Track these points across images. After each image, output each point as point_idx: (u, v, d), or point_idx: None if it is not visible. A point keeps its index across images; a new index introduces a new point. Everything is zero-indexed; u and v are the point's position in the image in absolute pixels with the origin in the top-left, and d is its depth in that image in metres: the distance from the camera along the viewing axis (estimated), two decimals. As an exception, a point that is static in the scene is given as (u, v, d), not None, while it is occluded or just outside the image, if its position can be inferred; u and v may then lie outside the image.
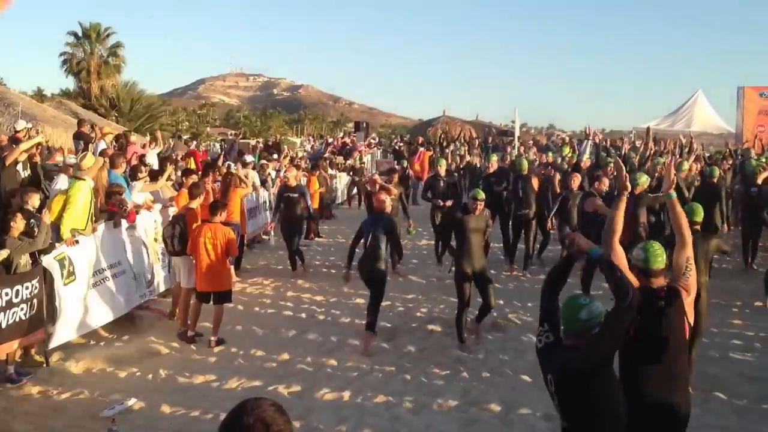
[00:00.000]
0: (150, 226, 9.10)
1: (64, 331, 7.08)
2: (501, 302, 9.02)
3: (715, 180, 11.56)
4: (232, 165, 12.20)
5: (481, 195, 8.01)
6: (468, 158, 19.01)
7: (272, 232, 13.75)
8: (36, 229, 6.68)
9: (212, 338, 7.73)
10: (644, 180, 9.05)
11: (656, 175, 10.99)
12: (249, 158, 14.17)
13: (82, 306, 7.39)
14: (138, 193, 9.31)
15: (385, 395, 6.34)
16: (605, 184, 10.15)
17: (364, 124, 36.27)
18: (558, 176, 12.02)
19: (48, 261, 6.87)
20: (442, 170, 12.09)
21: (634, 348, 3.91)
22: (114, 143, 13.28)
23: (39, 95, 42.65)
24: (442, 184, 11.91)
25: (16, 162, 9.06)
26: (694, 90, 29.39)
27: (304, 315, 9.00)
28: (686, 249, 4.22)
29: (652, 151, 15.28)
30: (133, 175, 9.54)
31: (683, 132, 24.51)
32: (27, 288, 6.47)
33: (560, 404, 3.46)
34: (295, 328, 8.41)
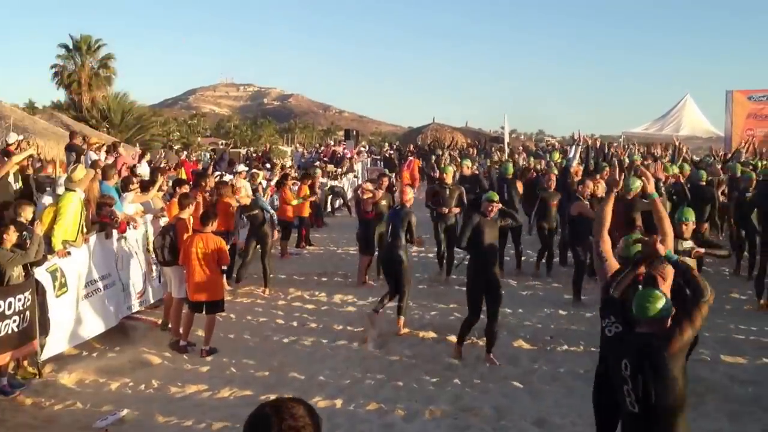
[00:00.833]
0: (141, 236, 9.13)
1: (56, 343, 7.10)
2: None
3: (704, 183, 11.66)
4: (226, 175, 12.21)
5: (496, 197, 7.81)
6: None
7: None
8: (28, 242, 6.69)
9: (204, 348, 7.75)
10: (638, 185, 9.00)
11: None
12: (241, 167, 14.21)
13: (74, 317, 7.41)
14: (129, 204, 9.33)
15: (377, 402, 6.37)
16: (590, 188, 10.22)
17: (354, 132, 36.34)
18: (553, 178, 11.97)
19: (40, 273, 6.89)
20: (448, 178, 11.54)
21: None
22: (107, 154, 13.31)
23: (31, 107, 42.62)
24: (447, 192, 11.38)
25: (7, 174, 9.08)
26: (682, 94, 29.54)
27: (295, 323, 9.03)
28: (667, 240, 4.68)
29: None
30: (124, 186, 9.57)
31: (672, 136, 24.69)
32: (20, 300, 6.48)
33: (635, 388, 3.69)
34: (287, 337, 8.45)
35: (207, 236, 7.84)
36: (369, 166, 28.41)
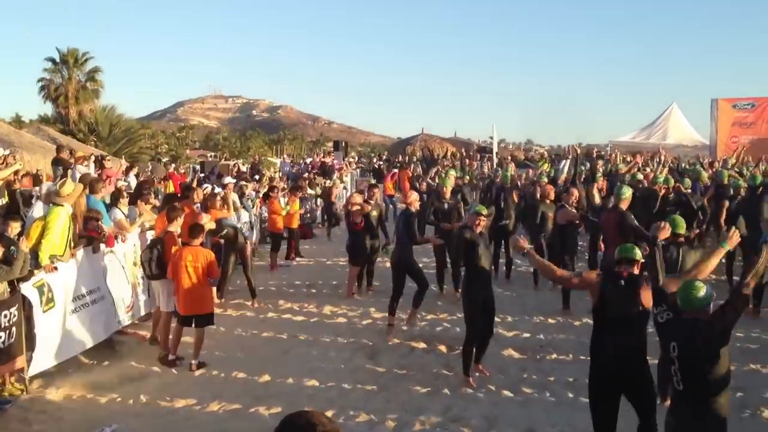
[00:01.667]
0: (129, 250, 9.09)
1: (43, 359, 7.04)
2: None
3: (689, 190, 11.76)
4: (216, 188, 12.17)
5: (484, 210, 7.70)
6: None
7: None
8: (15, 257, 6.66)
9: (193, 361, 7.71)
10: (629, 194, 9.00)
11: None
12: (228, 180, 14.18)
13: (62, 333, 7.36)
14: (138, 219, 9.31)
15: (368, 413, 6.36)
16: (574, 195, 10.31)
17: (343, 144, 36.37)
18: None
19: (27, 288, 6.85)
20: (447, 192, 11.15)
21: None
22: (96, 168, 13.26)
23: (17, 121, 42.47)
24: (446, 206, 11.03)
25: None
26: (668, 103, 29.82)
27: (285, 336, 9.01)
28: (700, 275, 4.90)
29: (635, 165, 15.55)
30: (113, 200, 9.53)
31: (659, 145, 24.87)
32: (5, 316, 6.44)
33: (682, 368, 4.08)
34: (277, 349, 8.43)
35: (196, 249, 7.83)
36: (358, 177, 28.44)
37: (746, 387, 6.91)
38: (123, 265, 8.86)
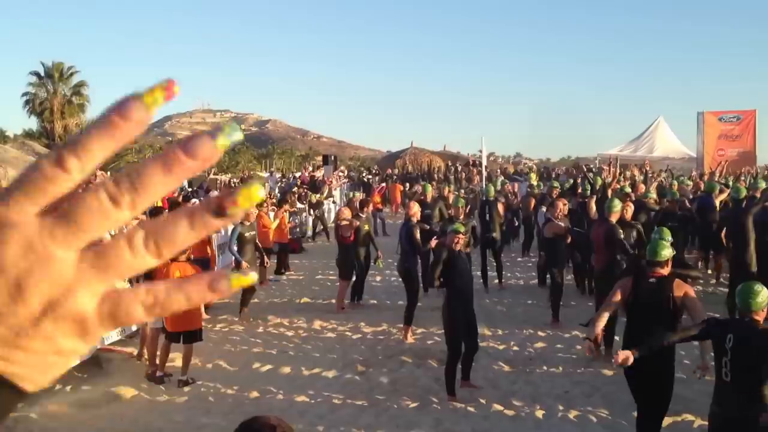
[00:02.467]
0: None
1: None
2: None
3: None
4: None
5: (462, 228, 7.62)
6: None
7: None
8: None
9: (181, 378, 7.64)
10: (619, 207, 9.00)
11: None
12: (214, 194, 14.14)
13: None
14: None
15: (358, 428, 6.33)
16: (558, 208, 10.36)
17: (333, 157, 36.35)
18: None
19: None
20: (462, 213, 10.37)
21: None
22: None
23: (1, 136, 42.24)
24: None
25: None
26: (656, 115, 30.11)
27: (275, 351, 8.95)
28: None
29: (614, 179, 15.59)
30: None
31: (645, 158, 25.05)
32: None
33: (733, 359, 4.41)
34: (266, 364, 8.37)
35: (184, 265, 7.77)
36: (347, 190, 28.43)
37: None
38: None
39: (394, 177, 31.67)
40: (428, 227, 10.89)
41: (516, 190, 18.42)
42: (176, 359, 7.85)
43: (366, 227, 11.30)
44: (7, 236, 0.42)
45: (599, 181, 12.97)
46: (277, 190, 24.30)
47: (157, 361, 7.88)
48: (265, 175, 40.50)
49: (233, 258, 11.33)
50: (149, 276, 7.95)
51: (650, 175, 19.93)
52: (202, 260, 10.05)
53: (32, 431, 6.37)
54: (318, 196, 21.87)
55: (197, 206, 0.46)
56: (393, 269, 14.01)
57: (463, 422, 6.48)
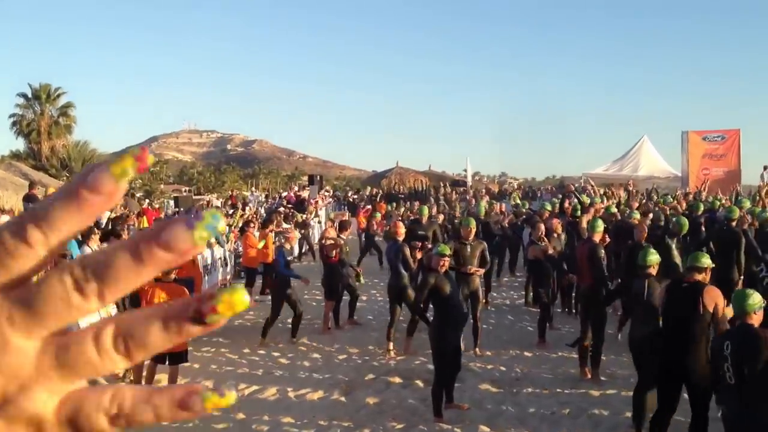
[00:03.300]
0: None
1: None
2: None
3: (661, 223, 11.94)
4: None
5: (447, 250, 7.60)
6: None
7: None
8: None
9: (167, 400, 7.57)
10: (602, 228, 9.00)
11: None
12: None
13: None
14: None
15: (344, 451, 6.29)
16: (541, 230, 10.45)
17: (318, 177, 36.46)
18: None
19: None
20: (471, 233, 9.75)
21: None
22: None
23: (-12, 157, 41.98)
24: (469, 249, 9.59)
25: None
26: (640, 134, 30.39)
27: (260, 372, 8.90)
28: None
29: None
30: (85, 237, 9.42)
31: (630, 177, 25.25)
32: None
33: (733, 363, 4.67)
34: (252, 386, 8.31)
35: (170, 286, 7.73)
36: (332, 210, 28.46)
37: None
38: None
39: (380, 196, 31.71)
40: (420, 244, 10.91)
41: (504, 209, 18.52)
42: (162, 380, 7.79)
43: (347, 249, 11.34)
44: None
45: (587, 200, 13.09)
46: (263, 210, 24.31)
47: (143, 382, 7.82)
48: (247, 193, 40.47)
49: (219, 277, 11.33)
50: (134, 296, 7.96)
51: (633, 194, 20.10)
52: (187, 280, 10.00)
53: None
54: (304, 216, 21.87)
55: (174, 308, 0.41)
56: (378, 289, 14.05)
57: (450, 443, 6.46)
